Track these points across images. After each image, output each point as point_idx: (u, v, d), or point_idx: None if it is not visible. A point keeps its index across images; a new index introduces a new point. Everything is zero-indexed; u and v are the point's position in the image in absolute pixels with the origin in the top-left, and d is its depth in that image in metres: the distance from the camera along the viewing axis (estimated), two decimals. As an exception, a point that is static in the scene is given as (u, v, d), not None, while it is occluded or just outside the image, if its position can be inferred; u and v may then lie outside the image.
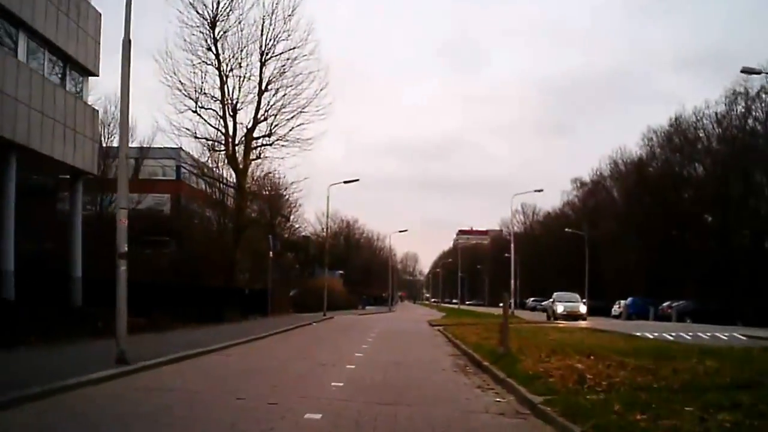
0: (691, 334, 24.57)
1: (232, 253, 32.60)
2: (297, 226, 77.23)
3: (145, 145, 38.40)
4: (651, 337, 22.60)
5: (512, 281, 46.70)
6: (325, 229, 45.03)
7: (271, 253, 33.29)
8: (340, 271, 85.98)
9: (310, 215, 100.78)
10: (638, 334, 23.05)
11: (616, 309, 60.23)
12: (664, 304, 52.60)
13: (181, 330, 20.03)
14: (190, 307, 23.24)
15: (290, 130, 34.09)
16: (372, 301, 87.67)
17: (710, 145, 60.45)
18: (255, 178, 37.01)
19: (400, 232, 73.74)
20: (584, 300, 48.33)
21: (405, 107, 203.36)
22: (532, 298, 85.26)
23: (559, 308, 43.69)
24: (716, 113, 55.80)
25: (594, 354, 13.38)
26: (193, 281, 26.74)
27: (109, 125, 34.83)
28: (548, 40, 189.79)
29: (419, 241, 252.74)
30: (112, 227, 12.22)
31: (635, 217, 69.05)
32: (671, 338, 21.55)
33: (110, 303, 11.36)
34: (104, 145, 33.11)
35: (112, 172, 33.51)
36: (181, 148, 37.58)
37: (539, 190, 50.14)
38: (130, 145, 34.52)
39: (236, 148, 33.07)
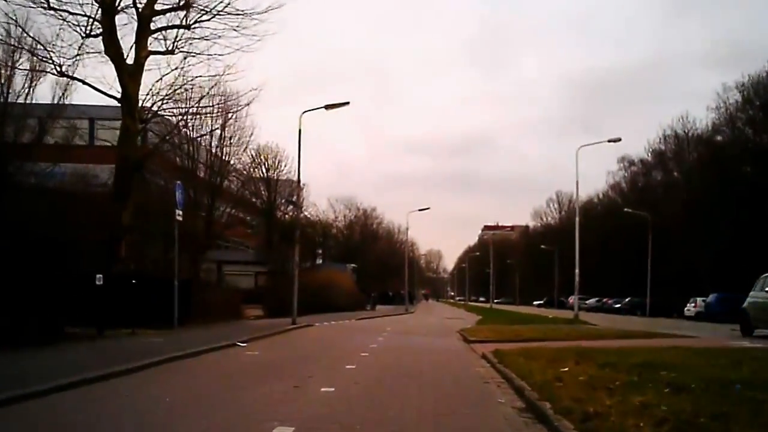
0: None
1: (116, 216, 17.90)
2: (304, 212, 63.20)
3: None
4: None
5: (576, 270, 31.13)
6: (296, 193, 29.98)
7: (177, 213, 18.23)
8: (353, 265, 71.25)
9: (321, 202, 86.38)
10: None
11: (691, 308, 44.64)
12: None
13: None
14: None
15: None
16: (388, 299, 72.65)
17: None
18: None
19: (420, 210, 57.61)
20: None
21: (430, 105, 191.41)
22: (572, 296, 69.74)
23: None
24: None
25: None
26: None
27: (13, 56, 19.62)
28: (577, 37, 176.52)
29: (443, 238, 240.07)
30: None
31: (703, 197, 53.38)
32: None
33: None
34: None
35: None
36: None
37: (615, 140, 34.01)
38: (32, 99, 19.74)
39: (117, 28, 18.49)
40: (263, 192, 53.31)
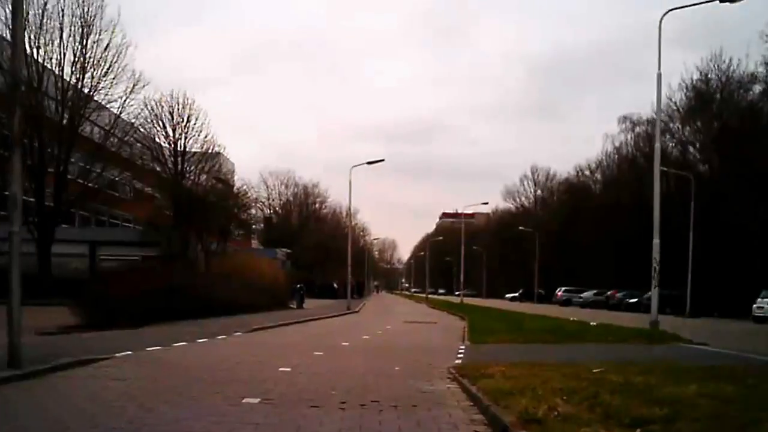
0: None
1: None
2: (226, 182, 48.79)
3: None
4: None
5: (655, 240, 17.36)
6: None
7: None
8: (285, 250, 57.19)
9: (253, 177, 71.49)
10: None
11: (765, 305, 31.67)
12: None
13: None
14: None
15: None
16: (331, 292, 58.54)
17: None
18: None
19: (370, 164, 38.19)
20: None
21: (381, 88, 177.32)
22: (562, 288, 56.67)
23: None
24: None
25: None
26: None
27: None
28: (533, 14, 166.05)
29: (398, 228, 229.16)
30: None
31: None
32: None
33: None
34: None
35: None
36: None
37: None
38: None
39: None
40: (168, 157, 39.35)
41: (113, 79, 27.06)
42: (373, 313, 33.34)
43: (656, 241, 16.16)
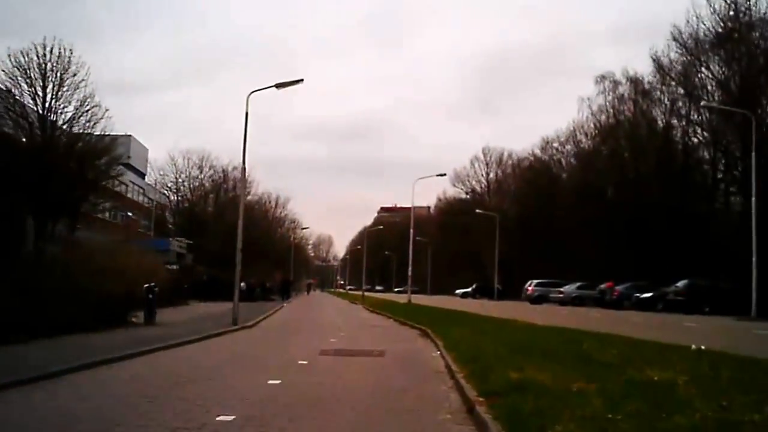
0: None
1: None
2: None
3: None
4: None
5: None
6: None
7: None
8: (183, 241, 44.35)
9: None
10: None
11: None
12: None
13: None
14: None
15: None
16: (248, 294, 45.49)
17: None
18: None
19: (279, 86, 20.01)
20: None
21: (323, 86, 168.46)
22: (534, 282, 45.01)
23: None
24: None
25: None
26: None
27: None
28: (474, 12, 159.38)
29: (336, 227, 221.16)
30: None
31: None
32: None
33: None
34: None
35: None
36: None
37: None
38: None
39: None
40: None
41: None
42: (277, 328, 20.83)
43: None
